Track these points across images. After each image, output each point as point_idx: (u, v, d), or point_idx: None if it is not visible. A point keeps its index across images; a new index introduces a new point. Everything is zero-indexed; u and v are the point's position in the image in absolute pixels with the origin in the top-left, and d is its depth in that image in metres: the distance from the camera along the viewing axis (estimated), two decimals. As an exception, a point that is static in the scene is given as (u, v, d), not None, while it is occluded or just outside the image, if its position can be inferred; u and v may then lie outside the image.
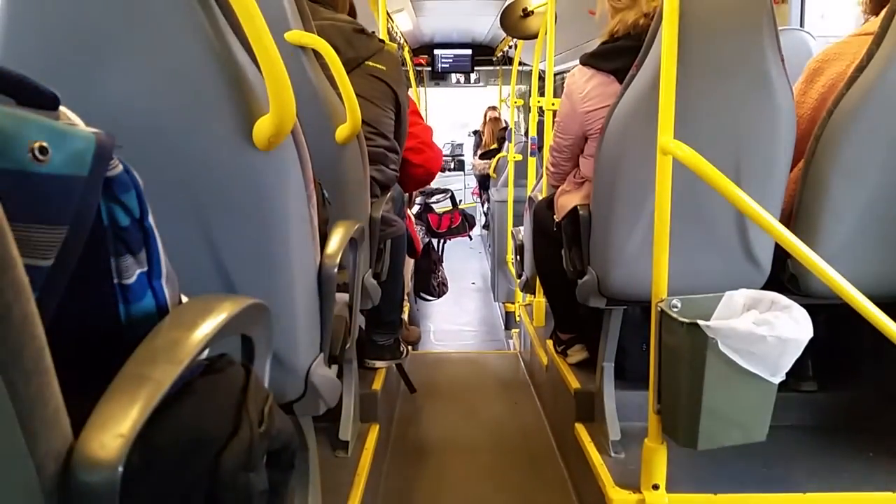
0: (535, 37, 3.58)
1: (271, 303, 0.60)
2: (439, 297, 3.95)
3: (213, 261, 0.91)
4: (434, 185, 4.65)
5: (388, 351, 2.20)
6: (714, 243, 1.49)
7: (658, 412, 1.33)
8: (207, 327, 0.46)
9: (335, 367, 1.20)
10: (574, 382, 1.97)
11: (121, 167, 0.44)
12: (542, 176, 2.79)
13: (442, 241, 4.76)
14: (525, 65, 6.08)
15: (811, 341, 1.18)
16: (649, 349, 1.34)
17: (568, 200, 1.77)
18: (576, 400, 1.90)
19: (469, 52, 8.40)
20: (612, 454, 1.64)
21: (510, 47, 6.76)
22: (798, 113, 1.47)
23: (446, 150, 9.55)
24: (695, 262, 1.47)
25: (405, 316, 3.08)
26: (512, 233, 3.55)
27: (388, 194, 1.95)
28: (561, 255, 1.80)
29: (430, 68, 8.54)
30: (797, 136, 1.44)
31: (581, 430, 1.80)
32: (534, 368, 2.87)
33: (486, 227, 7.10)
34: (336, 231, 1.17)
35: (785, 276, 1.54)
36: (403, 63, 2.74)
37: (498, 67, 8.12)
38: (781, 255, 1.46)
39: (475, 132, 8.46)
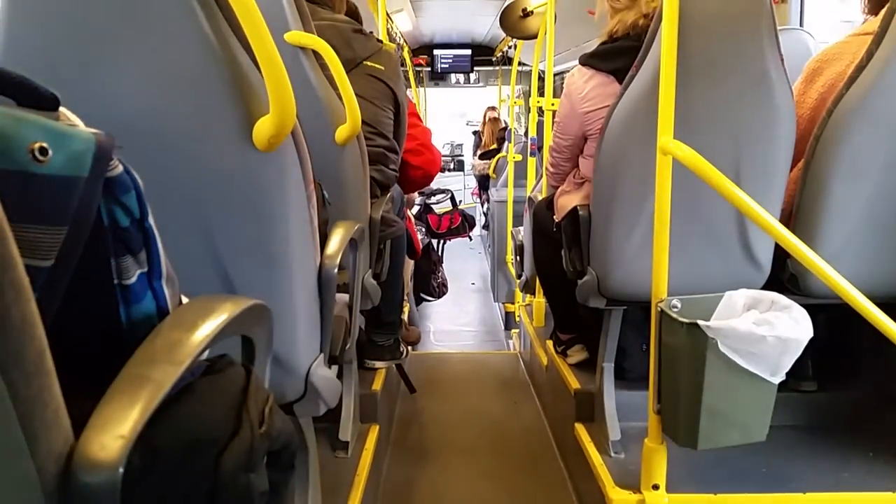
0: (534, 37, 3.57)
1: (271, 303, 0.60)
2: (439, 297, 3.95)
3: (213, 261, 0.91)
4: (434, 185, 4.66)
5: (388, 351, 2.20)
6: (714, 243, 1.49)
7: (658, 412, 1.33)
8: (208, 328, 0.46)
9: (335, 368, 1.20)
10: (574, 382, 1.98)
11: (121, 168, 0.44)
12: (541, 176, 2.79)
13: (442, 241, 4.77)
14: (525, 65, 6.08)
15: (811, 341, 1.18)
16: (649, 349, 1.34)
17: (568, 201, 1.77)
18: (576, 400, 1.90)
19: (469, 52, 8.40)
20: (612, 454, 1.64)
21: (510, 47, 6.76)
22: (798, 113, 1.47)
23: (446, 151, 9.56)
24: (695, 263, 1.47)
25: (405, 316, 3.08)
26: (512, 233, 3.55)
27: (388, 195, 1.95)
28: (561, 255, 1.80)
29: (429, 69, 8.54)
30: (797, 136, 1.44)
31: (581, 430, 1.80)
32: (534, 369, 2.87)
33: (485, 227, 7.11)
34: (336, 231, 1.17)
35: (785, 276, 1.54)
36: (402, 63, 2.74)
37: (497, 68, 8.12)
38: (781, 255, 1.46)
39: (475, 132, 8.46)
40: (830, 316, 1.76)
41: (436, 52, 8.39)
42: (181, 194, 0.86)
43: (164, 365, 0.41)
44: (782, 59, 1.37)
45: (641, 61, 1.42)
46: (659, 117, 1.25)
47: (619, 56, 1.64)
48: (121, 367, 0.41)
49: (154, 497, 0.40)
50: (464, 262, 7.19)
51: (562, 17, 3.26)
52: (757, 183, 1.39)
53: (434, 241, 4.44)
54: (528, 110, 3.99)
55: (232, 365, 0.51)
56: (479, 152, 7.68)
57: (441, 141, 9.45)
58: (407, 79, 5.50)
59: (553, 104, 3.00)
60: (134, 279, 0.47)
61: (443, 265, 4.03)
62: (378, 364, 2.17)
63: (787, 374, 1.21)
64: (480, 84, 9.23)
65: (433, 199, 4.89)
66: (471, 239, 6.18)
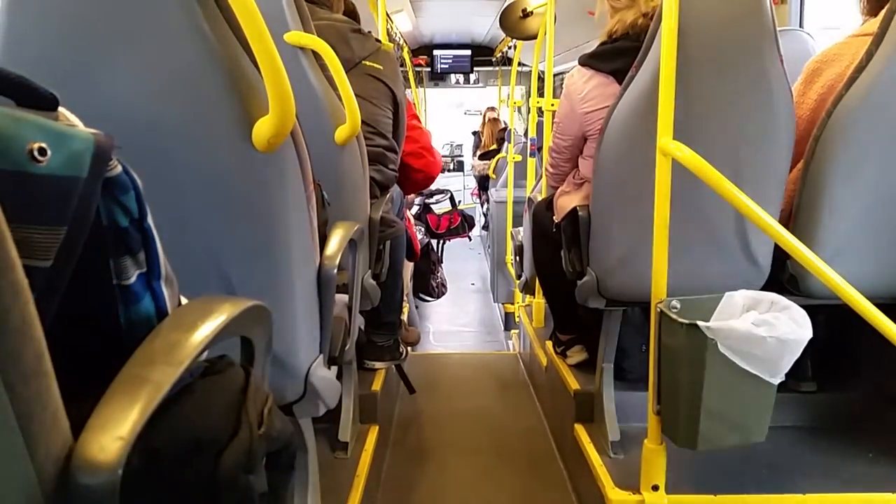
0: (534, 37, 3.57)
1: (271, 304, 0.60)
2: (438, 297, 3.95)
3: (212, 262, 0.90)
4: (433, 185, 4.65)
5: (388, 352, 2.19)
6: (713, 244, 1.48)
7: (658, 413, 1.33)
8: (207, 329, 0.46)
9: (335, 369, 1.20)
10: (574, 383, 1.97)
11: (120, 168, 0.44)
12: (541, 177, 2.79)
13: (441, 241, 4.76)
14: (524, 65, 6.08)
15: (810, 342, 1.19)
16: (649, 350, 1.34)
17: (567, 201, 1.77)
18: (575, 401, 1.90)
19: (468, 52, 8.40)
20: (612, 455, 1.64)
21: (510, 48, 6.76)
22: (797, 113, 1.47)
23: (445, 151, 9.56)
24: (694, 263, 1.47)
25: (405, 317, 3.07)
26: (511, 234, 3.55)
27: (388, 195, 1.95)
28: (560, 255, 1.80)
29: (429, 69, 8.54)
30: (796, 137, 1.44)
31: (581, 430, 1.80)
32: (533, 369, 2.87)
33: (485, 227, 7.10)
34: (335, 232, 1.17)
35: (784, 277, 1.54)
36: (402, 63, 2.75)
37: (497, 68, 8.12)
38: (781, 256, 1.46)
39: (474, 133, 8.46)
40: (830, 317, 1.76)
41: (435, 52, 8.39)
42: (180, 195, 0.86)
43: (163, 366, 0.41)
44: (782, 60, 1.37)
45: (641, 62, 1.42)
46: (658, 118, 1.25)
47: (618, 56, 1.64)
48: (120, 367, 0.41)
49: (153, 498, 0.40)
50: (463, 262, 7.19)
51: (562, 17, 3.27)
52: (756, 184, 1.39)
53: (433, 242, 4.44)
54: (528, 110, 4.00)
55: (231, 366, 0.51)
56: (478, 153, 7.69)
57: (441, 141, 9.46)
58: (406, 79, 5.49)
59: (553, 105, 3.00)
60: (133, 280, 0.47)
61: (442, 265, 4.03)
62: (378, 365, 2.17)
63: (787, 374, 1.21)
64: (480, 84, 9.23)
65: (432, 200, 4.88)
66: (470, 239, 6.18)
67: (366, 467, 1.67)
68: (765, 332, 1.17)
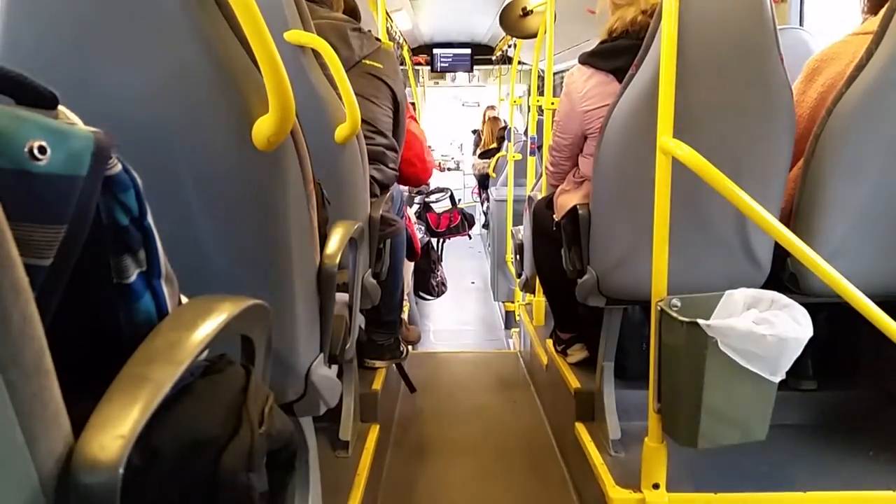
0: (534, 36, 3.57)
1: (271, 303, 0.60)
2: (438, 296, 3.95)
3: (212, 261, 0.90)
4: (433, 184, 4.65)
5: (388, 351, 2.20)
6: (714, 242, 1.48)
7: (658, 411, 1.33)
8: (207, 328, 0.46)
9: (335, 367, 1.20)
10: (574, 382, 1.97)
11: (119, 166, 0.44)
12: (541, 175, 2.78)
13: (441, 240, 4.76)
14: (525, 64, 6.08)
15: (811, 340, 1.18)
16: (649, 348, 1.34)
17: (567, 200, 1.77)
18: (576, 399, 1.90)
19: (468, 51, 8.39)
20: (613, 453, 1.64)
21: (510, 46, 6.76)
22: (797, 112, 1.47)
23: (445, 150, 9.56)
24: (694, 262, 1.47)
25: (405, 315, 3.08)
26: (511, 232, 3.55)
27: (388, 194, 1.95)
28: (560, 254, 1.80)
29: (429, 67, 8.53)
30: (796, 135, 1.44)
31: (581, 429, 1.80)
32: (534, 368, 2.87)
33: (485, 226, 7.11)
34: (335, 231, 1.17)
35: (784, 275, 1.54)
36: (402, 62, 2.75)
37: (497, 67, 8.12)
38: (781, 254, 1.46)
39: (474, 131, 8.46)
40: (830, 315, 1.76)
41: (435, 51, 8.38)
42: (180, 193, 0.86)
43: (163, 365, 0.41)
44: (782, 59, 1.37)
45: (641, 60, 1.42)
46: (659, 116, 1.25)
47: (618, 55, 1.63)
48: (120, 366, 0.41)
49: (154, 497, 0.40)
50: (464, 261, 7.19)
51: (561, 16, 3.26)
52: (756, 182, 1.39)
53: (433, 240, 4.44)
54: (528, 109, 3.99)
55: (232, 365, 0.51)
56: (478, 151, 7.69)
57: (440, 140, 9.47)
58: (406, 78, 5.49)
59: (553, 103, 3.00)
60: (133, 278, 0.47)
61: (442, 264, 4.03)
62: (378, 363, 2.17)
63: (787, 372, 1.21)
64: (480, 83, 9.23)
65: (432, 198, 4.88)
66: (470, 238, 6.18)
67: (366, 466, 1.67)
68: (765, 330, 1.17)
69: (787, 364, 1.20)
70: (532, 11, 3.66)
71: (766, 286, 1.48)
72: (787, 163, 1.46)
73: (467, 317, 5.57)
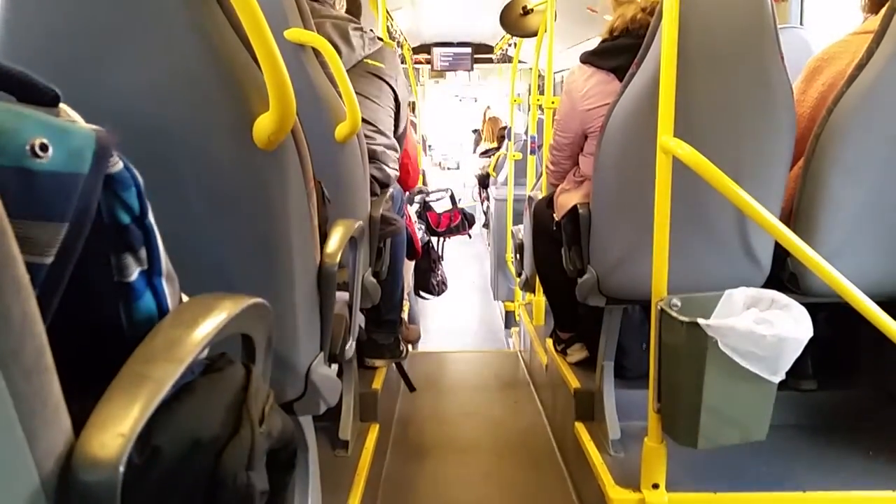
0: (534, 35, 3.57)
1: (271, 302, 0.60)
2: (439, 295, 3.94)
3: (213, 259, 0.90)
4: (433, 184, 4.65)
5: (388, 350, 2.19)
6: (714, 242, 1.48)
7: (658, 411, 1.33)
8: (208, 326, 0.46)
9: (335, 366, 1.20)
10: (574, 381, 1.97)
11: (121, 165, 0.44)
12: (541, 174, 2.78)
13: (441, 239, 4.76)
14: (525, 63, 6.07)
15: (811, 340, 1.18)
16: (649, 348, 1.34)
17: (568, 199, 1.77)
18: (575, 399, 1.90)
19: (468, 50, 8.38)
20: (612, 453, 1.64)
21: (510, 45, 6.76)
22: (798, 111, 1.47)
23: (445, 150, 9.56)
24: (695, 261, 1.47)
25: (405, 315, 3.08)
26: (512, 231, 3.55)
27: (388, 193, 1.95)
28: (561, 253, 1.80)
29: (429, 66, 8.53)
30: (797, 135, 1.44)
31: (581, 429, 1.80)
32: (533, 367, 2.87)
33: (485, 225, 7.10)
34: (336, 230, 1.17)
35: (785, 275, 1.54)
36: (402, 61, 2.75)
37: (497, 65, 8.11)
38: (781, 254, 1.46)
39: (475, 131, 8.46)
40: (830, 315, 1.76)
41: (435, 50, 8.37)
42: (181, 192, 0.86)
43: (164, 363, 0.41)
44: (782, 58, 1.37)
45: (642, 59, 1.42)
46: (659, 115, 1.25)
47: (619, 54, 1.63)
48: (121, 365, 0.41)
49: (154, 496, 0.40)
50: (464, 260, 7.19)
51: (562, 15, 3.26)
52: (757, 181, 1.39)
53: (433, 240, 4.44)
54: (528, 108, 3.99)
55: (232, 363, 0.51)
56: (478, 151, 7.69)
57: (440, 139, 9.47)
58: (406, 77, 5.49)
59: (553, 102, 3.00)
60: (134, 277, 0.47)
61: (442, 263, 4.02)
62: (378, 363, 2.17)
63: (787, 372, 1.21)
64: (480, 82, 9.23)
65: (432, 198, 4.88)
66: (470, 237, 6.18)
67: (366, 465, 1.67)
68: (765, 330, 1.17)
69: (787, 364, 1.20)
70: (532, 10, 3.65)
71: (766, 286, 1.47)
72: (787, 162, 1.46)
73: (467, 316, 5.57)
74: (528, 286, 3.05)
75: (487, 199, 6.72)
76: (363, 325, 2.09)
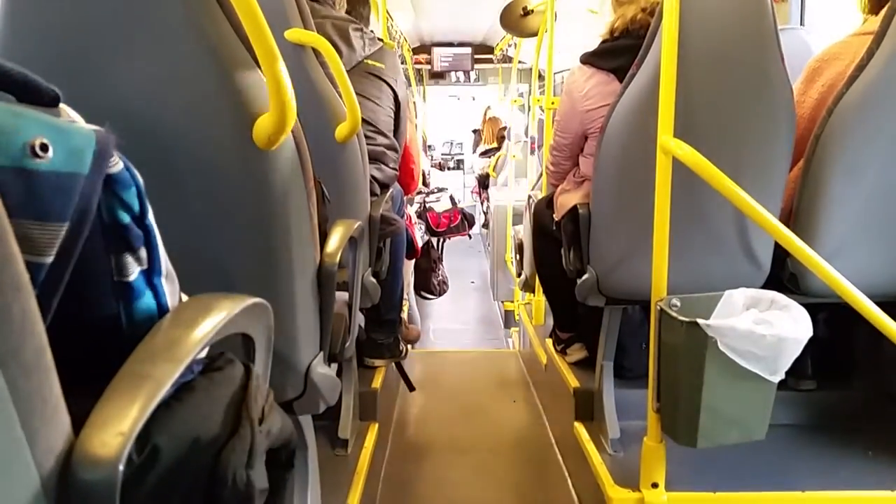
0: (534, 35, 3.57)
1: (271, 301, 0.60)
2: (440, 295, 3.95)
3: (212, 259, 0.91)
4: (433, 184, 4.65)
5: (388, 349, 2.20)
6: (714, 242, 1.48)
7: (657, 411, 1.33)
8: (207, 326, 0.46)
9: (335, 366, 1.20)
10: (573, 381, 1.98)
11: (121, 164, 0.44)
12: (541, 175, 2.78)
13: (441, 239, 4.76)
14: (525, 63, 6.08)
15: (810, 340, 1.18)
16: (648, 348, 1.34)
17: (567, 199, 1.77)
18: (575, 399, 1.90)
19: (469, 50, 8.38)
20: (612, 453, 1.64)
21: (510, 46, 6.75)
22: (798, 112, 1.47)
23: (445, 149, 9.56)
24: (694, 261, 1.47)
25: (405, 315, 3.08)
26: (511, 232, 3.55)
27: (388, 193, 1.95)
28: (560, 253, 1.80)
29: (429, 67, 8.52)
30: (797, 136, 1.44)
31: (580, 428, 1.80)
32: (533, 367, 2.87)
33: (485, 225, 7.10)
34: (336, 230, 1.17)
35: (784, 275, 1.54)
36: (402, 61, 2.76)
37: (498, 66, 8.11)
38: (781, 255, 1.46)
39: (475, 131, 8.46)
40: (830, 315, 1.76)
41: (435, 50, 8.37)
42: (181, 192, 0.86)
43: (163, 362, 0.41)
44: (783, 59, 1.37)
45: (642, 60, 1.42)
46: (659, 116, 1.25)
47: (619, 54, 1.63)
48: (120, 364, 0.41)
49: (153, 494, 0.40)
50: (463, 260, 7.19)
51: (562, 15, 3.26)
52: (757, 182, 1.39)
53: (433, 240, 4.44)
54: (528, 109, 3.99)
55: (232, 362, 0.51)
56: (478, 151, 7.69)
57: (440, 138, 9.46)
58: (407, 77, 5.49)
59: (553, 103, 3.00)
60: (134, 276, 0.47)
61: (443, 263, 4.03)
62: (377, 362, 2.17)
63: (787, 372, 1.21)
64: (480, 83, 9.22)
65: (432, 198, 4.88)
66: (470, 237, 6.18)
67: (366, 464, 1.67)
68: (765, 330, 1.17)
69: (787, 364, 1.20)
70: (532, 11, 3.66)
71: (765, 286, 1.48)
72: (787, 163, 1.46)
73: (467, 316, 5.57)
74: (527, 286, 3.05)
75: (487, 199, 6.72)
76: (363, 325, 2.09)
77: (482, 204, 7.63)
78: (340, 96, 1.37)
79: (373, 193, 1.82)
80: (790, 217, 1.51)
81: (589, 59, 1.72)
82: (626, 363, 1.85)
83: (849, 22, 1.78)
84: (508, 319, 4.60)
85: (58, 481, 0.35)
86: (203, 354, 0.47)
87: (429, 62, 8.38)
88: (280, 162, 0.90)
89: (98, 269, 0.45)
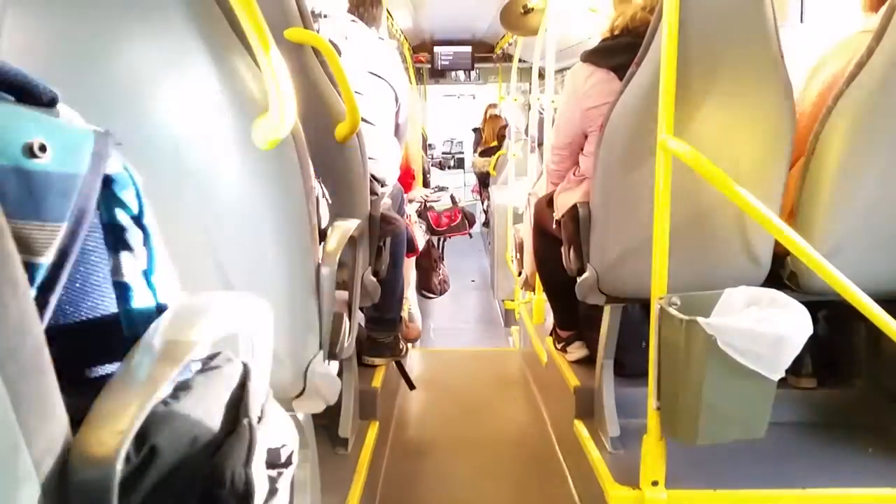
0: (535, 33, 3.57)
1: (270, 300, 0.60)
2: (441, 294, 3.95)
3: (212, 258, 0.91)
4: (434, 183, 4.65)
5: (388, 348, 2.20)
6: (713, 240, 1.49)
7: (657, 409, 1.33)
8: (206, 325, 0.46)
9: (335, 365, 1.20)
10: (573, 379, 1.98)
11: (119, 164, 0.44)
12: (541, 173, 2.78)
13: (442, 238, 4.76)
14: (525, 62, 6.07)
15: (810, 338, 1.19)
16: (649, 346, 1.34)
17: (567, 198, 1.77)
18: (575, 397, 1.90)
19: (469, 48, 8.37)
20: (612, 451, 1.64)
21: (510, 44, 6.75)
22: (798, 110, 1.47)
23: (445, 148, 9.56)
24: (694, 260, 1.47)
25: (405, 313, 3.08)
26: (512, 230, 3.55)
27: (388, 192, 1.95)
28: (560, 252, 1.81)
29: (429, 65, 8.52)
30: (797, 133, 1.44)
31: (580, 426, 1.81)
32: (533, 366, 2.88)
33: (485, 224, 7.10)
34: (335, 229, 1.17)
35: (784, 273, 1.54)
36: (403, 60, 2.76)
37: (498, 64, 8.10)
38: (781, 253, 1.46)
39: (475, 129, 8.46)
40: (830, 313, 1.76)
41: (436, 48, 8.36)
42: (180, 192, 0.86)
43: (161, 362, 0.41)
44: (782, 56, 1.37)
45: (642, 58, 1.42)
46: (659, 114, 1.25)
47: (619, 52, 1.63)
48: (118, 363, 0.41)
49: (151, 494, 0.40)
50: (464, 259, 7.19)
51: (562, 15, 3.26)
52: (756, 180, 1.39)
53: (434, 239, 4.44)
54: (529, 107, 3.99)
55: (230, 361, 0.51)
56: (479, 149, 7.68)
57: (440, 137, 9.46)
58: (407, 76, 5.48)
59: (553, 101, 3.00)
60: (132, 276, 0.47)
61: (443, 262, 4.03)
62: (377, 361, 2.17)
63: (787, 370, 1.21)
64: (480, 81, 9.22)
65: (433, 197, 4.88)
66: (471, 236, 6.18)
67: (366, 463, 1.67)
68: (765, 328, 1.17)
69: (787, 362, 1.20)
70: (533, 9, 3.65)
71: (765, 284, 1.48)
72: (787, 160, 1.46)
73: (467, 315, 5.57)
74: (527, 285, 3.06)
75: (488, 198, 6.72)
76: (363, 324, 2.10)
77: (482, 203, 7.63)
78: (340, 96, 1.38)
79: (373, 193, 1.82)
80: (790, 215, 1.51)
81: (589, 58, 1.72)
82: (627, 361, 1.84)
83: (849, 19, 1.78)
84: (509, 318, 4.60)
85: (55, 480, 0.35)
86: (202, 353, 0.47)
87: (429, 60, 8.38)
88: (280, 161, 0.90)
89: (96, 268, 0.45)
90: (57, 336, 0.36)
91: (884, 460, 1.53)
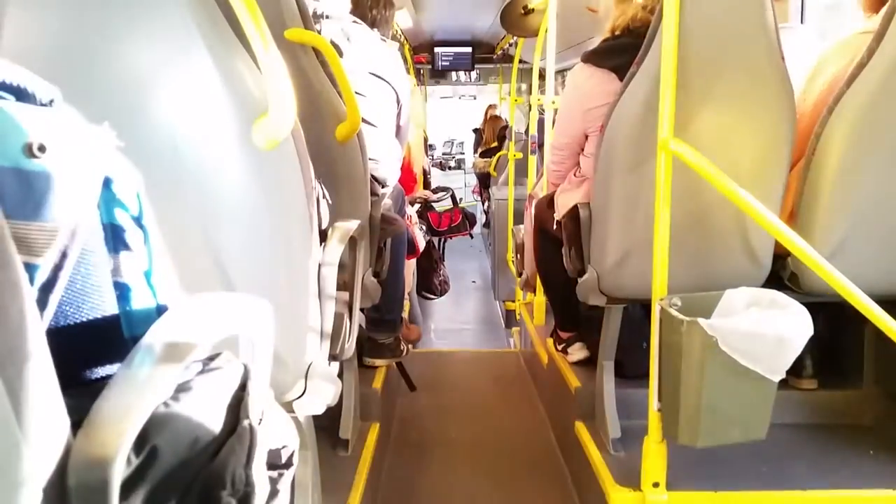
0: (535, 34, 3.57)
1: (271, 301, 0.60)
2: (441, 295, 3.95)
3: (212, 259, 0.90)
4: (434, 183, 4.65)
5: (389, 349, 2.20)
6: (714, 241, 1.48)
7: (658, 410, 1.33)
8: (206, 326, 0.46)
9: (335, 366, 1.20)
10: (574, 381, 1.97)
11: (119, 165, 0.44)
12: (542, 174, 2.78)
13: (442, 239, 4.76)
14: (525, 62, 6.07)
15: (811, 339, 1.18)
16: (649, 347, 1.34)
17: (568, 199, 1.77)
18: (576, 398, 1.90)
19: (469, 49, 8.38)
20: (613, 452, 1.64)
21: (511, 45, 6.75)
22: (798, 111, 1.47)
23: (446, 149, 9.56)
24: (695, 261, 1.47)
25: (405, 314, 3.08)
26: (512, 231, 3.55)
27: (388, 193, 1.95)
28: (561, 253, 1.80)
29: (430, 66, 8.52)
30: (798, 134, 1.44)
31: (581, 428, 1.80)
32: (534, 367, 2.87)
33: (486, 225, 7.10)
34: (336, 230, 1.17)
35: (785, 274, 1.54)
36: (403, 60, 2.76)
37: (498, 65, 8.10)
38: (782, 253, 1.46)
39: (475, 130, 8.46)
40: (830, 314, 1.76)
41: (436, 49, 8.36)
42: (179, 192, 0.86)
43: (162, 363, 0.41)
44: (783, 58, 1.37)
45: (642, 59, 1.42)
46: (659, 115, 1.25)
47: (620, 53, 1.63)
48: (118, 364, 0.41)
49: (152, 495, 0.40)
50: (465, 260, 7.19)
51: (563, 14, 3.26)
52: (757, 180, 1.39)
53: (435, 240, 4.44)
54: (529, 108, 4.00)
55: (231, 363, 0.51)
56: (479, 150, 7.68)
57: (440, 137, 9.47)
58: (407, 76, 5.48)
59: (554, 102, 3.00)
60: (132, 277, 0.47)
61: (444, 263, 4.03)
62: (378, 362, 2.17)
63: (787, 371, 1.21)
64: (481, 82, 9.22)
65: (433, 197, 4.88)
66: (471, 237, 6.18)
67: (367, 465, 1.67)
68: (765, 329, 1.17)
69: (788, 363, 1.20)
70: (533, 10, 3.65)
71: (766, 285, 1.48)
72: (787, 161, 1.46)
73: (468, 316, 5.57)
74: (528, 286, 3.05)
75: (488, 198, 6.72)
76: (363, 325, 2.10)
77: (483, 203, 7.63)
78: (340, 96, 1.37)
79: (373, 193, 1.82)
80: (791, 216, 1.51)
81: (590, 58, 1.72)
82: (627, 362, 1.84)
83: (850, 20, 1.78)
84: (510, 319, 4.60)
85: (56, 482, 0.35)
86: (202, 354, 0.47)
87: (429, 61, 8.38)
88: (279, 162, 0.90)
89: (97, 269, 0.45)
90: (57, 337, 0.36)
91: (885, 462, 1.53)
